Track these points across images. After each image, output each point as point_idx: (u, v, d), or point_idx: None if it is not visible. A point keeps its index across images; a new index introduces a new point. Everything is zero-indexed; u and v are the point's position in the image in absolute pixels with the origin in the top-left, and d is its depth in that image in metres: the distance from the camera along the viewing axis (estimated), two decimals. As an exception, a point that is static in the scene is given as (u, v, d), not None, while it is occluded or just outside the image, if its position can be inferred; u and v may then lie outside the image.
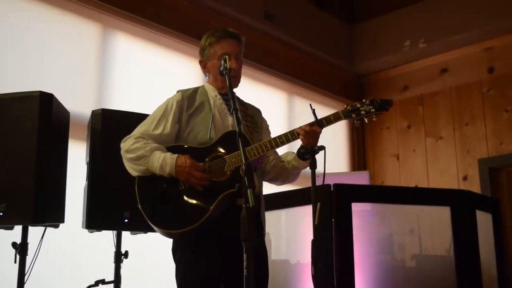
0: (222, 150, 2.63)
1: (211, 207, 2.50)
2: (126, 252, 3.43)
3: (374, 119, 2.73)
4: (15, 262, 3.01)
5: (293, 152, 2.81)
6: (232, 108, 2.38)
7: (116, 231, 3.43)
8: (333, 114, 2.72)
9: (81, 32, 4.55)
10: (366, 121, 2.74)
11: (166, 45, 5.18)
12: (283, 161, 2.83)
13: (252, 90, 5.71)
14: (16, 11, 4.17)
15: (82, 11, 4.57)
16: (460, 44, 6.41)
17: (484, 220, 4.21)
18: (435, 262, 4.04)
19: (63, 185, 3.27)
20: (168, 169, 2.55)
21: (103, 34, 4.71)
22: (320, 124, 2.68)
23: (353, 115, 2.72)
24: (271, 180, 2.93)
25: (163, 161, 2.56)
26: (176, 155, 2.57)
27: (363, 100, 2.74)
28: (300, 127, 2.67)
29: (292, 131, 2.67)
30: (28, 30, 4.21)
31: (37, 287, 3.30)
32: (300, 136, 2.65)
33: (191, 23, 5.17)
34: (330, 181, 3.43)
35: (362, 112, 2.71)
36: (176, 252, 2.67)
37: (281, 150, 2.85)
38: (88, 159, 3.40)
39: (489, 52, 6.34)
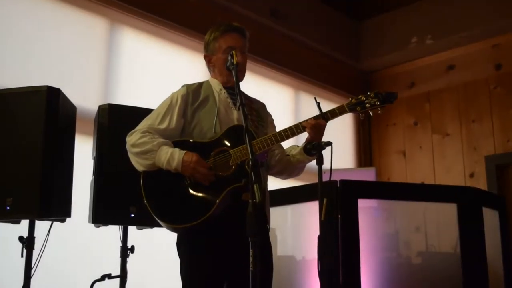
0: (227, 144, 2.63)
1: (217, 202, 2.51)
2: (132, 246, 3.43)
3: (379, 112, 2.72)
4: (22, 256, 3.02)
5: (298, 146, 2.81)
6: (238, 103, 2.38)
7: (122, 226, 3.43)
8: (338, 107, 2.72)
9: (88, 27, 4.56)
10: (371, 114, 2.73)
11: (173, 41, 5.18)
12: (288, 155, 2.83)
13: (258, 86, 5.71)
14: (23, 6, 4.18)
15: (89, 6, 4.57)
16: (467, 41, 6.39)
17: (490, 217, 4.20)
18: (441, 259, 4.03)
19: (69, 180, 3.28)
20: (175, 164, 2.55)
21: (110, 29, 4.72)
22: (325, 117, 2.68)
23: (358, 108, 2.71)
24: (276, 174, 2.93)
25: (170, 156, 2.56)
26: (184, 151, 2.58)
27: (368, 93, 2.72)
28: (305, 121, 2.67)
29: (297, 124, 2.67)
30: (35, 24, 4.22)
31: (43, 281, 3.32)
32: (306, 129, 2.65)
33: (198, 18, 5.17)
34: (336, 177, 3.43)
35: (367, 105, 2.70)
36: (181, 246, 2.68)
37: (286, 144, 2.84)
38: (94, 154, 3.41)
39: (496, 49, 6.31)
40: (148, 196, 2.60)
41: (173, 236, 2.72)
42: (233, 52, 2.62)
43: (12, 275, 3.25)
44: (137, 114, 2.99)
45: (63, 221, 3.24)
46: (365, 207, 3.89)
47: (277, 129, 2.76)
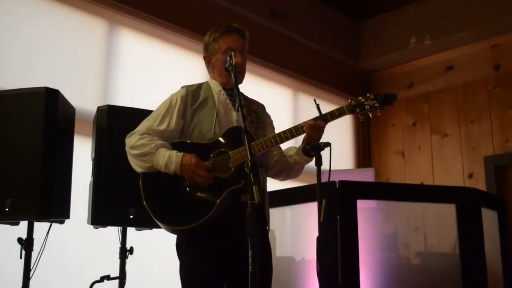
0: (226, 146, 2.63)
1: (216, 203, 2.50)
2: (131, 248, 3.43)
3: (378, 113, 2.72)
4: (21, 257, 3.02)
5: (295, 147, 2.81)
6: (237, 104, 2.38)
7: (121, 227, 3.43)
8: (337, 109, 2.72)
9: (87, 28, 4.56)
10: (371, 115, 2.73)
11: (172, 42, 5.19)
12: (286, 156, 2.83)
13: (257, 87, 5.72)
14: (22, 7, 4.18)
15: (88, 8, 4.58)
16: (466, 41, 6.39)
17: (489, 218, 4.20)
18: (440, 260, 4.03)
19: (68, 181, 3.27)
20: (173, 168, 2.55)
21: (109, 30, 4.72)
22: (324, 118, 2.68)
23: (357, 109, 2.71)
24: (274, 175, 2.93)
25: (168, 159, 2.55)
26: (181, 153, 2.57)
27: (367, 95, 2.72)
28: (305, 122, 2.67)
29: (297, 126, 2.67)
30: (34, 26, 4.22)
31: (42, 283, 3.32)
32: (305, 129, 2.64)
33: (197, 19, 5.17)
34: (335, 178, 3.43)
35: (366, 106, 2.70)
36: (180, 248, 2.68)
37: (285, 145, 2.84)
38: (93, 155, 3.41)
39: (495, 49, 6.32)
40: (147, 197, 2.60)
41: (173, 237, 2.71)
42: (232, 53, 2.63)
43: (11, 277, 3.25)
44: (136, 115, 2.99)
45: (62, 222, 3.23)
46: (364, 207, 3.89)
47: (276, 131, 2.76)
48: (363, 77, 7.39)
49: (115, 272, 3.35)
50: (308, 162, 2.76)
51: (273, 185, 3.23)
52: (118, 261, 3.39)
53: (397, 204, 4.11)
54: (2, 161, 2.95)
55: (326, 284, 3.03)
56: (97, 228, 3.39)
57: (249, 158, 2.14)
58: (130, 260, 3.43)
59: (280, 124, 2.99)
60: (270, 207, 2.90)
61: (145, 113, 2.93)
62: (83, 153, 3.64)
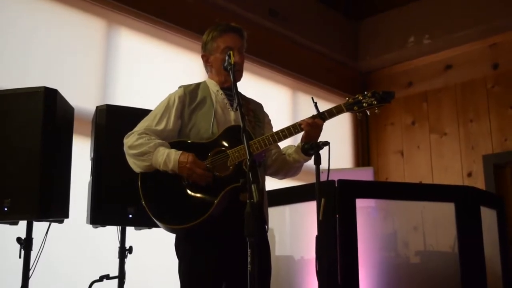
0: (225, 145, 2.63)
1: (215, 202, 2.50)
2: (131, 247, 3.43)
3: (376, 111, 2.72)
4: (20, 257, 3.02)
5: (294, 145, 2.81)
6: (235, 104, 2.39)
7: (120, 227, 3.43)
8: (335, 107, 2.71)
9: (85, 28, 4.56)
10: (369, 113, 2.73)
11: (171, 41, 5.19)
12: (284, 154, 2.83)
13: (256, 86, 5.71)
14: (20, 7, 4.18)
15: (87, 7, 4.58)
16: (465, 40, 6.39)
17: (488, 217, 4.20)
18: (439, 259, 4.03)
19: (67, 181, 3.27)
20: (171, 165, 2.55)
21: (107, 30, 4.72)
22: (322, 116, 2.68)
23: (355, 107, 2.71)
24: (273, 174, 2.93)
25: (167, 157, 2.56)
26: (180, 151, 2.57)
27: (365, 93, 2.72)
28: (303, 120, 2.67)
29: (295, 124, 2.67)
30: (32, 25, 4.22)
31: (41, 283, 3.31)
32: (303, 127, 2.64)
33: (196, 19, 5.17)
34: (334, 177, 3.43)
35: (364, 104, 2.70)
36: (179, 247, 2.68)
37: (283, 144, 2.84)
38: (92, 154, 3.41)
39: (493, 48, 6.32)
40: (146, 197, 2.60)
41: (172, 236, 2.72)
42: (231, 52, 2.63)
43: (10, 276, 3.25)
44: (135, 115, 2.99)
45: (61, 222, 3.23)
46: (363, 206, 3.90)
47: (275, 130, 2.76)
48: (362, 77, 7.39)
49: (114, 272, 3.35)
50: (306, 160, 2.76)
51: (272, 184, 3.23)
52: (117, 261, 3.39)
53: (396, 203, 4.11)
54: (1, 161, 2.94)
55: (325, 283, 3.04)
56: (96, 227, 3.38)
57: (248, 157, 2.14)
58: (129, 260, 3.43)
59: (279, 123, 2.98)
60: (269, 206, 2.90)
61: (143, 112, 2.93)
62: (82, 152, 3.64)
